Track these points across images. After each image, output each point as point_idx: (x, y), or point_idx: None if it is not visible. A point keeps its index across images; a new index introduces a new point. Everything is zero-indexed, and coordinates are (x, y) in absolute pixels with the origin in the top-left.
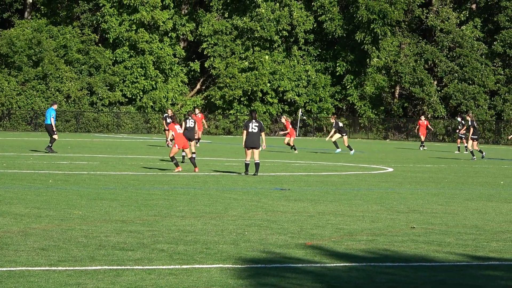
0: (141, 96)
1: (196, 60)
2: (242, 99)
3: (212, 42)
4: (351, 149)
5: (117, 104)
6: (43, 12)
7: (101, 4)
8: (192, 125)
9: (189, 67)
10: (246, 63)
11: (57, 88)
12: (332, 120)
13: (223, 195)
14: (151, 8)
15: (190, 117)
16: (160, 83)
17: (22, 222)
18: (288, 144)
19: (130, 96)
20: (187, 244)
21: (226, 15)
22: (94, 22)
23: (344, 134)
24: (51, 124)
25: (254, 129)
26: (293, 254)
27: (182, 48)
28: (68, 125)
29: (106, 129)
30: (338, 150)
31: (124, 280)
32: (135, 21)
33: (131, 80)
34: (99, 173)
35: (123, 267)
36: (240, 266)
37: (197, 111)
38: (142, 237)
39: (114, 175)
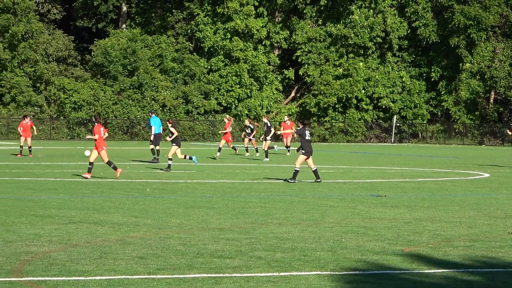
0: (236, 104)
1: (290, 68)
2: (336, 106)
3: (306, 49)
4: (267, 156)
5: (212, 112)
6: (137, 21)
7: (195, 13)
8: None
9: (283, 75)
10: (341, 70)
11: (152, 97)
12: (265, 120)
13: (320, 202)
14: (245, 17)
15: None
16: (255, 91)
17: (121, 230)
18: (220, 148)
19: (225, 104)
20: (284, 252)
21: (319, 22)
22: (189, 31)
23: (269, 138)
24: (161, 133)
25: (309, 136)
26: (390, 260)
27: (276, 56)
28: (163, 133)
29: (202, 137)
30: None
31: None
32: (229, 29)
33: (226, 89)
34: (195, 181)
35: (221, 274)
36: (337, 273)
37: (286, 118)
38: (240, 244)
39: (210, 183)
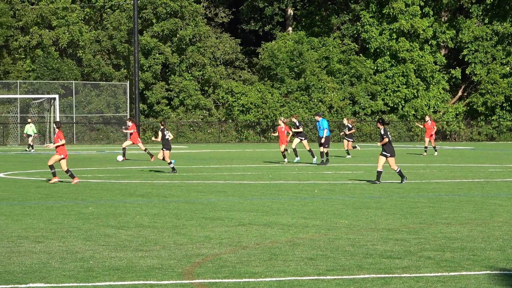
0: (403, 104)
1: (457, 67)
2: (504, 104)
3: (473, 48)
4: (313, 156)
5: (379, 113)
6: (303, 24)
7: (361, 15)
8: (168, 136)
9: (450, 74)
10: (508, 68)
11: (319, 98)
12: (294, 120)
13: (488, 201)
14: (411, 17)
15: (166, 128)
16: (421, 91)
17: (290, 232)
18: (285, 150)
19: (392, 104)
20: (453, 251)
21: (486, 21)
22: (354, 32)
23: (303, 138)
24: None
25: (390, 137)
26: None
27: (443, 55)
28: (331, 135)
29: (369, 138)
30: (297, 158)
31: None
32: (394, 30)
33: (393, 89)
34: (363, 182)
35: (390, 275)
36: (508, 272)
37: (427, 118)
38: (409, 245)
39: (378, 184)
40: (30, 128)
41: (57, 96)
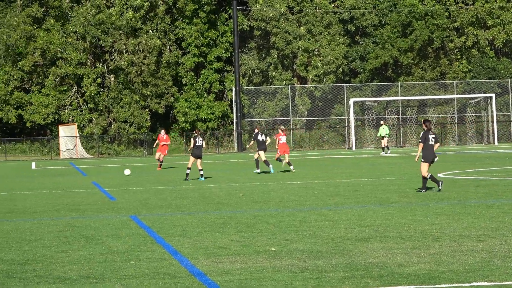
0: None
1: None
2: None
3: None
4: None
5: None
6: None
7: None
8: (201, 143)
9: None
10: None
11: None
12: (256, 131)
13: None
14: None
15: (198, 135)
16: None
17: None
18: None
19: None
20: None
21: None
22: None
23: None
24: None
25: (432, 141)
26: None
27: None
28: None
29: None
30: (257, 170)
31: None
32: None
33: None
34: None
35: None
36: None
37: None
38: None
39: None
40: (383, 130)
41: (493, 95)
